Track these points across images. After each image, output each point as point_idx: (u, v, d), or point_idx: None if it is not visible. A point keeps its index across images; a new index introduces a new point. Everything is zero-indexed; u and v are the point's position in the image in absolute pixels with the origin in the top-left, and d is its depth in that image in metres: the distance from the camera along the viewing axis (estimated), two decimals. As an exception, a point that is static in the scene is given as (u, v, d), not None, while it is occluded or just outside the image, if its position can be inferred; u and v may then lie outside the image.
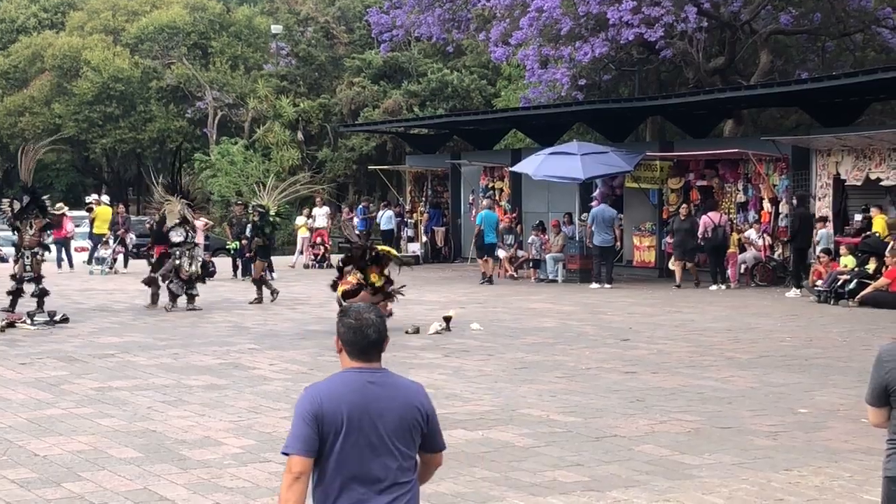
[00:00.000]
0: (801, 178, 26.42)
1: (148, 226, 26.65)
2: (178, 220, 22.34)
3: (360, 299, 18.30)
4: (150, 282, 22.65)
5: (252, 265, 25.67)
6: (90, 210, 33.97)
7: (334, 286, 18.72)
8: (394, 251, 20.74)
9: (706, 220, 26.69)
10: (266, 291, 23.60)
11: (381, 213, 39.22)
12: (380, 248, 19.52)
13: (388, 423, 4.68)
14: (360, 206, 41.65)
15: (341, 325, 4.79)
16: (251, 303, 23.29)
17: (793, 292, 24.65)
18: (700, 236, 26.76)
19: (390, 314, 18.96)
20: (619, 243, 29.70)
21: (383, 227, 38.11)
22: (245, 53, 64.83)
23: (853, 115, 29.30)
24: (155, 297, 22.52)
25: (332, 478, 4.64)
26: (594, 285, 27.32)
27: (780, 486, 8.38)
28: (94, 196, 37.47)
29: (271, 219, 24.30)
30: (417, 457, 4.83)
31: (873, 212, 25.20)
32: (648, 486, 8.37)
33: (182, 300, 22.24)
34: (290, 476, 4.59)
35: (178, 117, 64.56)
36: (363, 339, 4.74)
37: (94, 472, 8.87)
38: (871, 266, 23.01)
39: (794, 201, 26.06)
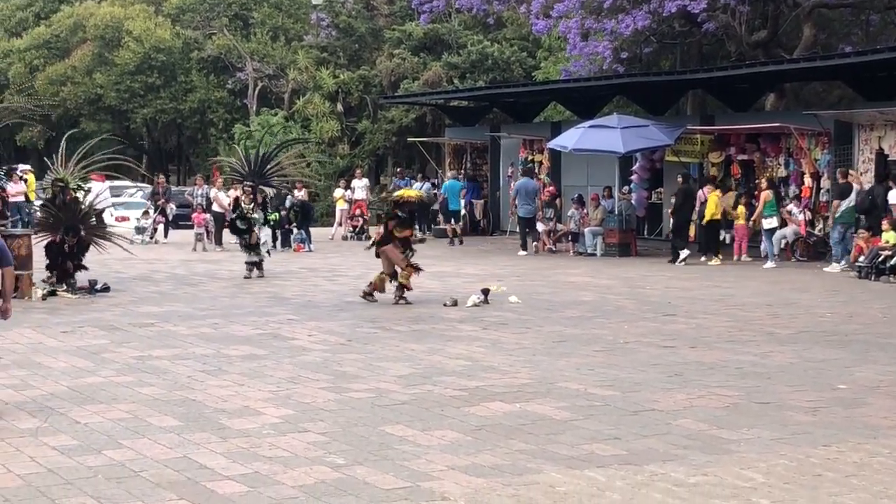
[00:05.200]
0: (844, 153, 26.22)
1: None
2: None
3: (389, 253, 18.72)
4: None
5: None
6: (25, 180, 31.88)
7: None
8: (410, 192, 20.91)
9: (700, 196, 27.40)
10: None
11: (419, 185, 38.87)
12: (395, 194, 19.92)
13: None
14: (403, 180, 41.42)
15: None
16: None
17: (684, 253, 26.32)
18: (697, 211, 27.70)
19: (403, 289, 18.84)
20: (540, 213, 31.06)
21: (422, 199, 37.91)
22: (286, 24, 64.84)
23: (897, 89, 29.03)
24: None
25: None
26: (521, 252, 29.26)
27: (818, 462, 8.35)
28: (24, 166, 37.09)
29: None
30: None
31: (707, 189, 27.02)
32: (686, 461, 8.36)
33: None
34: None
35: (218, 88, 64.73)
36: None
37: (135, 440, 8.94)
38: (913, 242, 22.85)
39: (679, 178, 27.80)
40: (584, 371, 12.14)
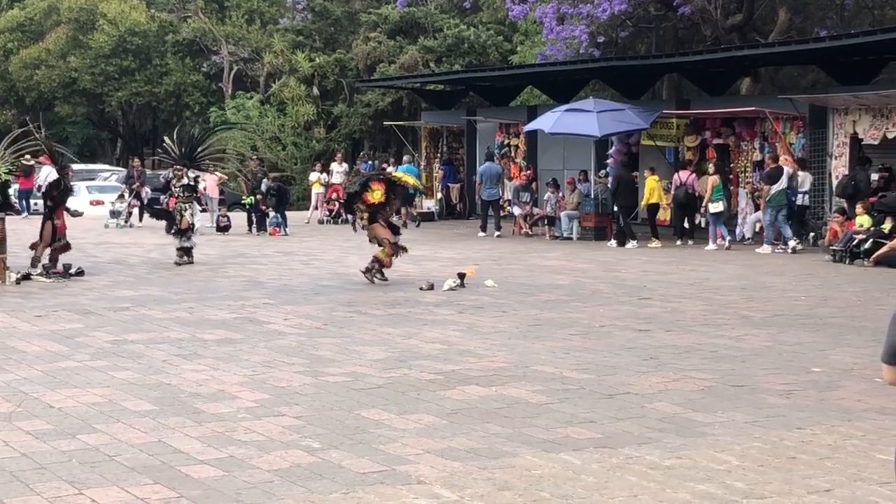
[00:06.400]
0: (818, 137, 26.30)
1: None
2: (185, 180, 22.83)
3: (374, 231, 19.03)
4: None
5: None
6: None
7: (349, 205, 19.67)
8: (408, 178, 21.00)
9: (675, 179, 27.97)
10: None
11: (391, 170, 38.39)
12: (394, 174, 20.23)
13: None
14: (365, 163, 40.99)
15: None
16: None
17: (631, 244, 26.85)
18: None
19: (381, 266, 18.94)
20: (503, 196, 32.76)
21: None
22: (261, 7, 64.59)
23: (871, 73, 29.11)
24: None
25: None
26: (481, 234, 30.44)
27: (792, 445, 8.39)
28: None
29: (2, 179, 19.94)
30: None
31: (646, 173, 28.28)
32: (661, 444, 8.38)
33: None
34: None
35: (193, 71, 64.45)
36: None
37: (109, 425, 8.91)
38: (887, 225, 22.93)
39: (617, 163, 28.98)
40: (560, 354, 12.16)
